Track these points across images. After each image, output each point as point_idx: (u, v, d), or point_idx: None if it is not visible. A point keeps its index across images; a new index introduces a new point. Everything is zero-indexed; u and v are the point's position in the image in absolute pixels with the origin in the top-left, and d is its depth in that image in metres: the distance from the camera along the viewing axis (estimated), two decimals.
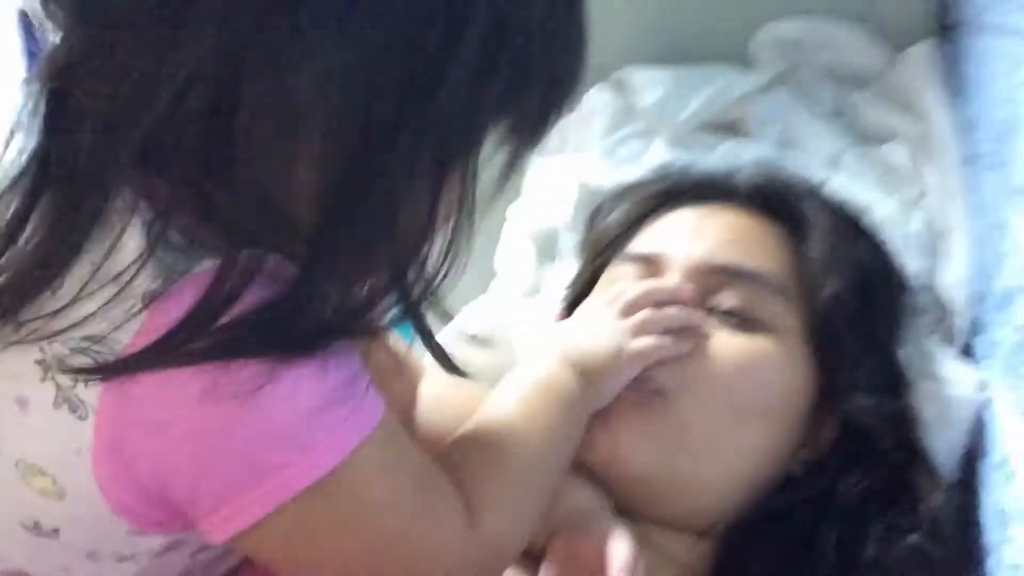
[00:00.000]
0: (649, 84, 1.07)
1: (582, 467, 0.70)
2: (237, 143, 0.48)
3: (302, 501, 0.51)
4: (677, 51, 1.11)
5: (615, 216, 0.86)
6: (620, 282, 0.77)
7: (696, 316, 0.73)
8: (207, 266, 0.50)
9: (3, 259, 0.51)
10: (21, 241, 0.50)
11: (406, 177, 0.50)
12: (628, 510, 0.70)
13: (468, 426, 0.64)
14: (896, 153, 0.97)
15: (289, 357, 0.50)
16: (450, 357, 0.59)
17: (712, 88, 1.06)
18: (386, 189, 0.50)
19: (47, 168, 0.50)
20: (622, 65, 1.08)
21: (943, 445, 0.77)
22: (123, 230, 0.50)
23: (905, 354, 0.80)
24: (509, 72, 0.51)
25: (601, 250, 0.84)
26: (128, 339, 0.49)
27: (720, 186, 0.85)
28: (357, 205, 0.50)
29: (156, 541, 0.55)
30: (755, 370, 0.73)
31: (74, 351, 0.50)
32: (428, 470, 0.57)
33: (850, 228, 0.82)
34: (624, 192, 0.89)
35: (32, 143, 0.51)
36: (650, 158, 1.01)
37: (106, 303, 0.49)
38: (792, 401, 0.74)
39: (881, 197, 0.92)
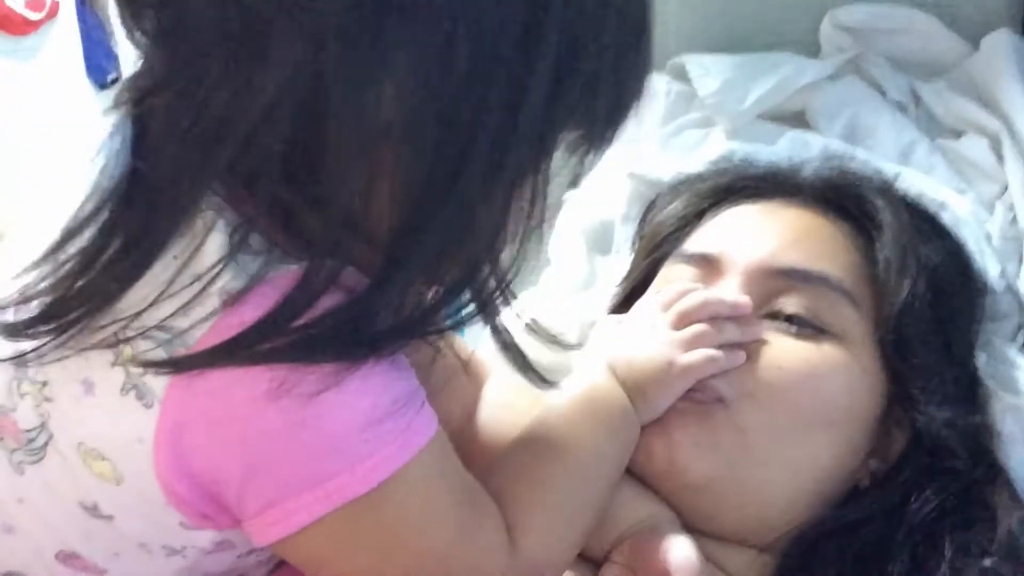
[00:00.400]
0: (708, 71, 1.03)
1: (642, 478, 0.68)
2: (320, 158, 0.50)
3: (348, 512, 0.52)
4: (738, 38, 1.07)
5: (671, 210, 0.83)
6: (675, 283, 0.74)
7: (753, 331, 0.70)
8: (285, 271, 0.51)
9: (89, 271, 0.52)
10: (106, 254, 0.52)
11: (482, 187, 0.51)
12: (686, 524, 0.67)
13: (514, 444, 0.63)
14: (975, 147, 0.94)
15: (357, 361, 0.51)
16: (525, 356, 0.59)
17: (775, 76, 1.02)
18: (462, 199, 0.51)
19: (134, 186, 0.52)
20: (680, 52, 1.05)
21: (1023, 462, 0.73)
22: (207, 233, 0.51)
23: (983, 363, 0.76)
24: (582, 84, 0.52)
25: (656, 246, 0.82)
26: (201, 334, 0.50)
27: (784, 181, 0.81)
28: (434, 215, 0.51)
29: (206, 538, 0.55)
30: (820, 379, 0.70)
31: (146, 339, 0.51)
32: (474, 490, 0.57)
33: (924, 227, 0.78)
34: (681, 185, 0.86)
35: (117, 163, 0.53)
36: (708, 149, 0.97)
37: (186, 303, 0.50)
38: (860, 411, 0.71)
39: (956, 193, 0.88)
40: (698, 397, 0.68)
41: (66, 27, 1.40)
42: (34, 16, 1.42)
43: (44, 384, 0.54)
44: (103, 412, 0.52)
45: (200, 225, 0.51)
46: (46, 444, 0.54)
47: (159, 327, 0.50)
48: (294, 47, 0.48)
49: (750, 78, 1.02)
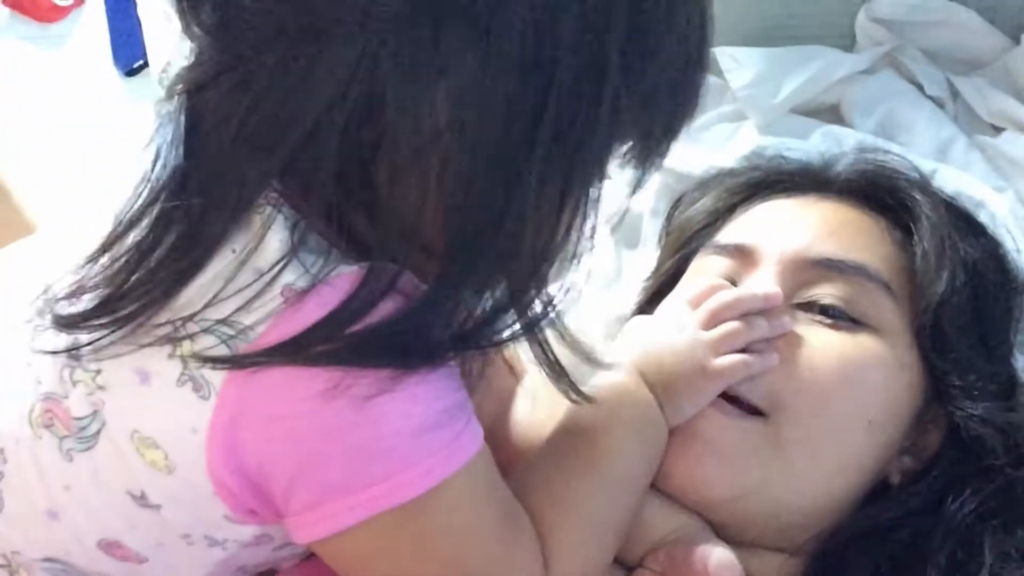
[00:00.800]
0: (740, 64, 1.03)
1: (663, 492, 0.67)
2: (374, 162, 0.50)
3: (392, 517, 0.53)
4: (771, 30, 1.07)
5: (700, 206, 0.82)
6: (702, 277, 0.73)
7: (784, 323, 0.69)
8: (345, 272, 0.52)
9: (144, 266, 0.52)
10: (160, 249, 0.52)
11: (534, 199, 0.52)
12: (714, 531, 0.66)
13: (544, 455, 0.63)
14: (1014, 144, 0.93)
15: (411, 369, 0.52)
16: (566, 372, 0.59)
17: (809, 70, 1.02)
18: (515, 211, 0.51)
19: (188, 180, 0.52)
20: (712, 45, 1.05)
21: None
22: (266, 228, 0.52)
23: (1021, 365, 0.75)
24: (640, 100, 0.52)
25: (685, 242, 0.81)
26: (263, 330, 0.51)
27: (818, 175, 0.80)
28: (487, 226, 0.51)
29: (248, 531, 0.56)
30: (856, 373, 0.68)
31: (206, 332, 0.51)
32: (512, 507, 0.58)
33: (961, 222, 0.77)
34: (710, 181, 0.85)
35: (169, 155, 0.53)
36: (739, 143, 0.97)
37: (247, 302, 0.51)
38: (897, 407, 0.70)
39: (994, 191, 0.87)
40: (728, 409, 0.67)
41: (94, 13, 1.43)
42: (63, 2, 1.44)
43: (98, 372, 0.54)
44: (158, 402, 0.53)
45: (258, 220, 0.52)
46: (98, 432, 0.54)
47: (221, 322, 0.51)
48: (352, 48, 0.48)
49: (783, 71, 1.02)
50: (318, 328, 0.50)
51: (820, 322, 0.70)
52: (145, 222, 0.53)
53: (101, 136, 1.20)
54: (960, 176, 0.87)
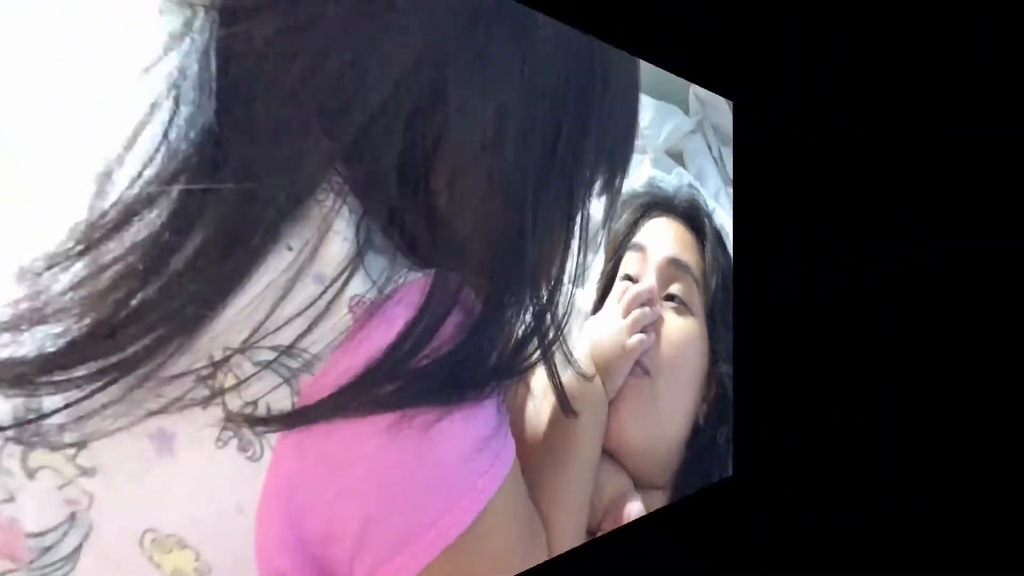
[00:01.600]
0: (645, 109, 1.39)
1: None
2: (434, 166, 0.51)
3: (450, 552, 0.51)
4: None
5: (623, 219, 1.09)
6: (624, 272, 0.97)
7: (659, 310, 0.90)
8: (412, 279, 0.49)
9: (147, 287, 0.42)
10: (176, 259, 0.43)
11: (550, 222, 0.57)
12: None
13: (541, 449, 0.72)
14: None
15: (460, 401, 0.51)
16: (564, 390, 0.68)
17: (672, 121, 1.38)
18: (538, 231, 0.54)
19: (220, 156, 0.43)
20: None
21: None
22: (329, 224, 0.45)
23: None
24: (606, 144, 0.62)
25: (616, 247, 1.06)
26: (329, 360, 0.44)
27: (670, 202, 1.10)
28: (520, 245, 0.54)
29: None
30: (690, 344, 0.92)
31: (263, 369, 0.42)
32: (532, 516, 0.62)
33: (721, 241, 1.05)
34: (628, 201, 1.11)
35: (189, 117, 0.44)
36: (642, 171, 1.34)
37: (312, 322, 0.43)
38: (704, 367, 0.95)
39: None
40: (638, 372, 0.88)
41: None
42: None
43: (78, 448, 0.41)
44: (187, 477, 0.42)
45: (317, 211, 0.43)
46: (78, 549, 0.42)
47: (285, 351, 0.40)
48: (414, 47, 0.47)
49: (662, 119, 1.35)
50: (384, 362, 0.45)
51: (673, 308, 0.94)
52: (156, 211, 0.39)
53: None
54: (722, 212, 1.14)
